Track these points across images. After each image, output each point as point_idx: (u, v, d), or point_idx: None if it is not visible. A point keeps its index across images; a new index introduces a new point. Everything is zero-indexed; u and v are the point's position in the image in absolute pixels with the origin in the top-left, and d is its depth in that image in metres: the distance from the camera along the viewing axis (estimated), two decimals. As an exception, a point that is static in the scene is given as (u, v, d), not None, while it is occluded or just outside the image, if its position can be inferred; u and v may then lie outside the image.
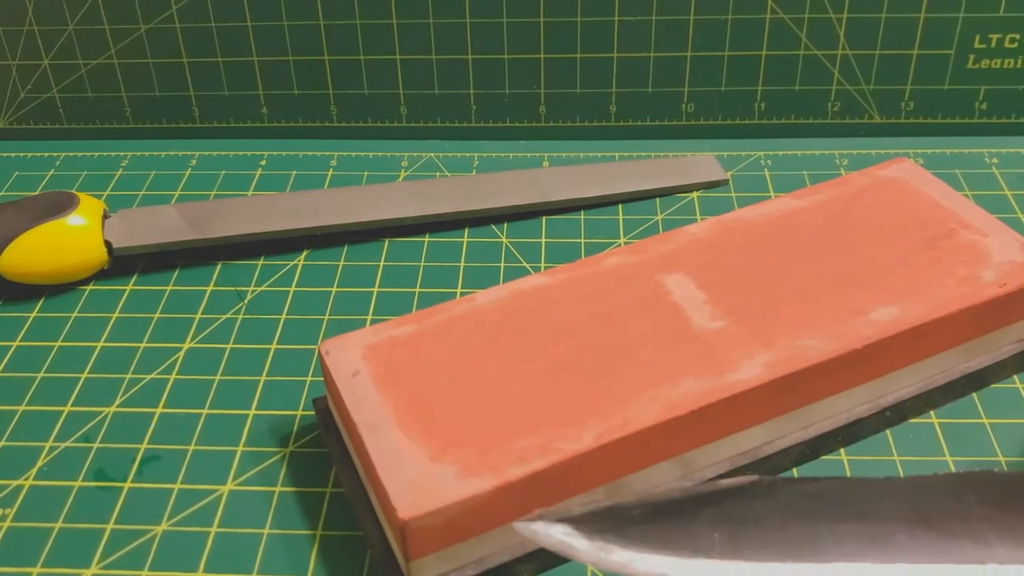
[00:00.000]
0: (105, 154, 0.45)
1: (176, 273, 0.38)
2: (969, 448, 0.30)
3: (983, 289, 0.29)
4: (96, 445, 0.31)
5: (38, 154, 0.45)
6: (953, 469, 0.29)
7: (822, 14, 0.41)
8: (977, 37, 0.41)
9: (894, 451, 0.30)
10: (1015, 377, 0.32)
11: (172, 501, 0.29)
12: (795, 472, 0.29)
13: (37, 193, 0.40)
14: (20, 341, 0.35)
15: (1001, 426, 0.30)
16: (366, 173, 0.43)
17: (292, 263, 0.38)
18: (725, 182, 0.41)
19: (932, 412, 0.31)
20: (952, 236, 0.31)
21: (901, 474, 0.29)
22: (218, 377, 0.33)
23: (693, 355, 0.28)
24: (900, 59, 0.42)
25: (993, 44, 0.42)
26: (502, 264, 0.38)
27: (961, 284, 0.30)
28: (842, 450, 0.30)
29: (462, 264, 0.38)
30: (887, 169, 0.35)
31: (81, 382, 0.33)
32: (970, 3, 0.41)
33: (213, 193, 0.42)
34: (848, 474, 0.29)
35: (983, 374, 0.31)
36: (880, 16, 0.41)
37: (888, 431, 0.30)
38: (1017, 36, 0.41)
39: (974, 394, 0.31)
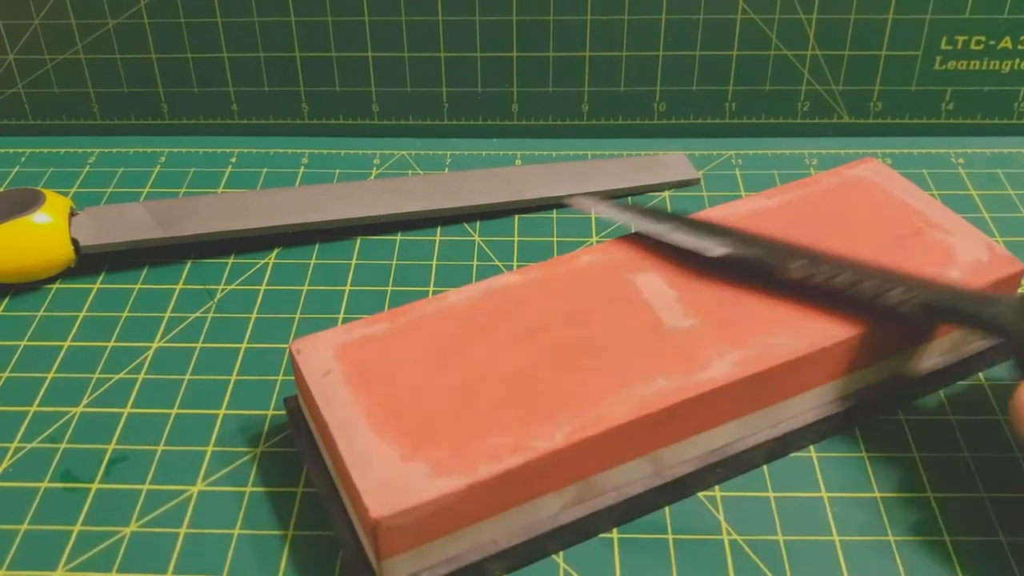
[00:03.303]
0: (72, 151, 0.44)
1: (145, 271, 0.37)
2: (936, 445, 0.30)
3: (949, 288, 0.30)
4: (63, 446, 0.31)
5: (3, 150, 0.44)
6: (920, 466, 0.30)
7: (792, 15, 0.41)
8: (944, 39, 0.42)
9: (862, 448, 0.30)
10: (980, 374, 0.32)
11: (141, 502, 0.29)
12: (765, 470, 0.29)
13: (1, 191, 0.39)
14: (-15, 340, 0.34)
15: (966, 423, 0.31)
16: (337, 171, 0.43)
17: (263, 261, 0.38)
18: (696, 181, 0.42)
19: (899, 410, 0.31)
20: (919, 235, 0.32)
21: (869, 471, 0.29)
22: (187, 376, 0.33)
23: (664, 353, 0.28)
24: (868, 60, 0.42)
25: (959, 46, 0.42)
26: (474, 262, 0.38)
27: (928, 283, 0.30)
28: (811, 447, 0.30)
29: (434, 262, 0.38)
30: (855, 169, 0.35)
31: (47, 382, 0.33)
32: (937, 5, 0.41)
33: (182, 191, 0.42)
34: (817, 472, 0.29)
35: (949, 371, 0.31)
36: (849, 17, 0.41)
37: (857, 428, 0.31)
38: (983, 38, 0.42)
39: (940, 391, 0.32)
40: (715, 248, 0.30)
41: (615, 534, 0.28)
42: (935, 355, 0.31)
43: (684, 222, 0.31)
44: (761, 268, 0.29)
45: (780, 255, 0.29)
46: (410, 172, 0.43)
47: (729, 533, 0.28)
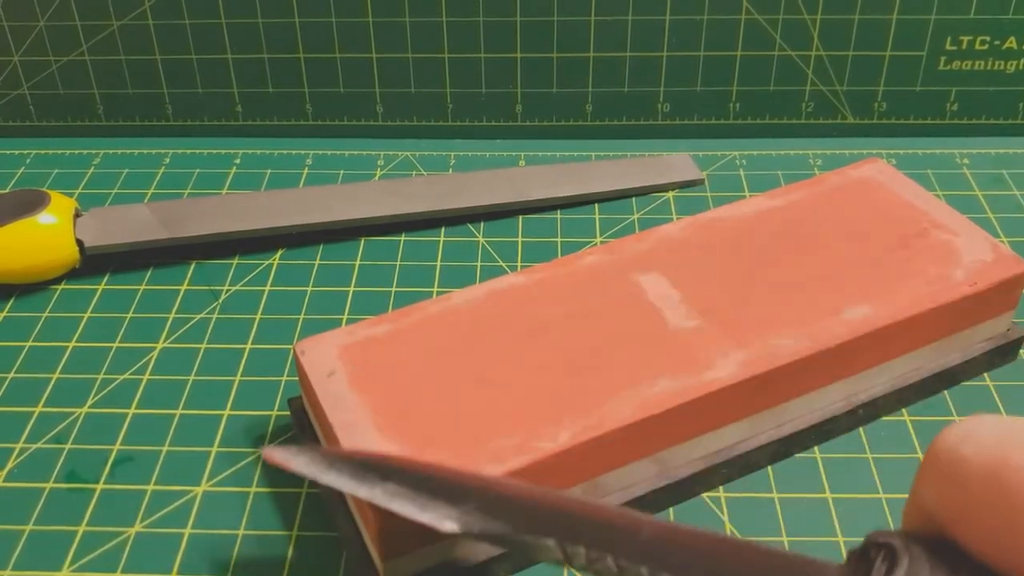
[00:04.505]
0: (77, 152, 0.44)
1: (149, 272, 0.37)
2: (940, 445, 0.30)
3: (954, 288, 0.30)
4: (68, 446, 0.31)
5: (8, 152, 0.45)
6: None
7: (796, 15, 0.41)
8: (948, 39, 0.42)
9: (867, 449, 0.30)
10: (985, 375, 0.32)
11: (146, 502, 0.29)
12: (770, 470, 0.29)
13: (7, 191, 0.39)
14: (-10, 341, 0.35)
15: (971, 423, 0.31)
16: (342, 172, 0.43)
17: (267, 262, 0.38)
18: (701, 182, 0.42)
19: (904, 410, 0.31)
20: (923, 235, 0.32)
21: (875, 472, 0.29)
22: (192, 377, 0.33)
23: (668, 354, 0.28)
24: (873, 60, 0.42)
25: (964, 46, 0.42)
26: (478, 263, 0.38)
27: (932, 283, 0.30)
28: (816, 448, 0.30)
29: (438, 263, 0.38)
30: (860, 169, 0.35)
31: (52, 383, 0.33)
32: (941, 5, 0.41)
33: (187, 192, 0.42)
34: (822, 472, 0.29)
35: (954, 372, 0.31)
36: (853, 18, 0.41)
37: (861, 429, 0.31)
38: (987, 38, 0.42)
39: (945, 392, 0.32)
40: (444, 521, 0.22)
41: (619, 535, 0.28)
42: (940, 355, 0.31)
43: (407, 479, 0.22)
44: (507, 545, 0.22)
45: (532, 527, 0.21)
46: (414, 173, 0.43)
47: (733, 534, 0.28)
